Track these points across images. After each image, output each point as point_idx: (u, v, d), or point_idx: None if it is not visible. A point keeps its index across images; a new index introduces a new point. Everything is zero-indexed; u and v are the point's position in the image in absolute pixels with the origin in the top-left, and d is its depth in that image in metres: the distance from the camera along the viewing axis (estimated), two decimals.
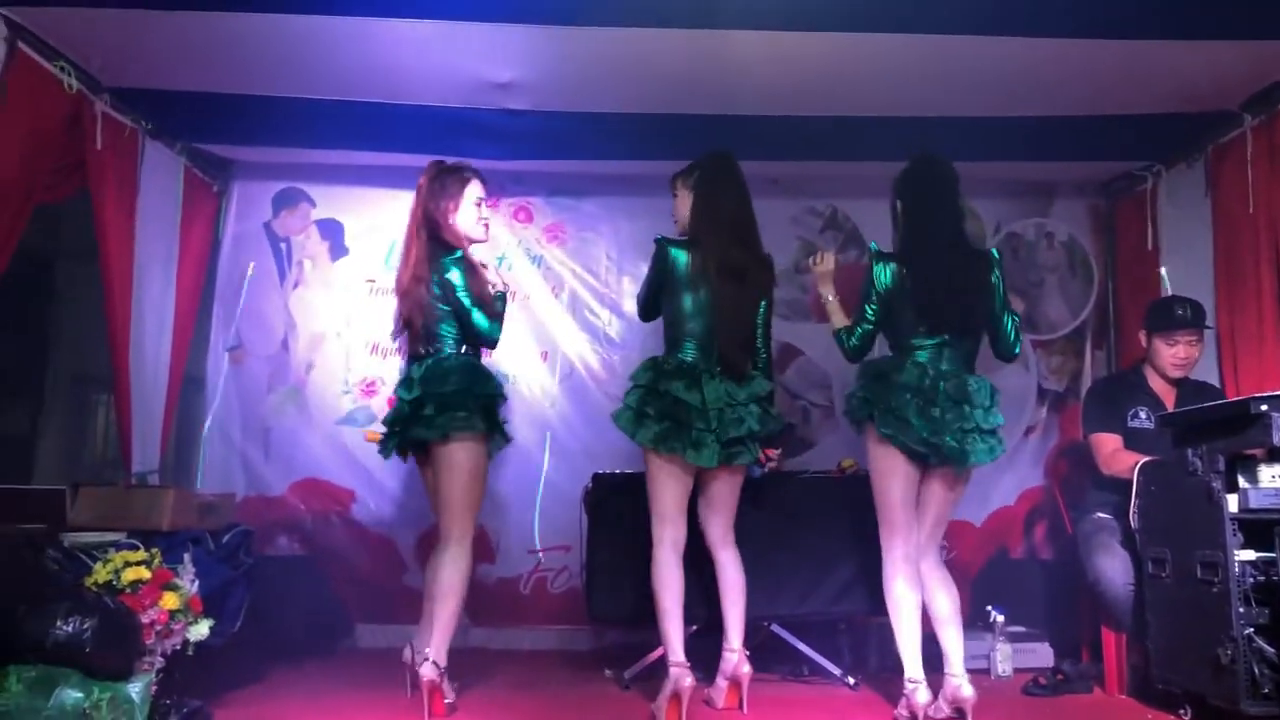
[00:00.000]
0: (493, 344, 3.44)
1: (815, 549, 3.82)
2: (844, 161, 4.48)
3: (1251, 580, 2.78)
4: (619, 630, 4.48)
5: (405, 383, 3.37)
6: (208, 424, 4.73)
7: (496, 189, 4.89)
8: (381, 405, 4.57)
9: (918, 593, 3.18)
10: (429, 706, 3.10)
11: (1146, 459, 3.35)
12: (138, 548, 3.07)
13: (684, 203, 3.47)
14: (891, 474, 3.20)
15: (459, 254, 3.36)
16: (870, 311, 3.28)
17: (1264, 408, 2.70)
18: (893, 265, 3.25)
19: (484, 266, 3.46)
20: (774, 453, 3.74)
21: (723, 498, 3.37)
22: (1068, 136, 4.19)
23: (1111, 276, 4.97)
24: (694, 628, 3.55)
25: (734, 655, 3.30)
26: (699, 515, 3.40)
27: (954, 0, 3.18)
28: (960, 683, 3.08)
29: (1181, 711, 3.11)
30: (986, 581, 4.50)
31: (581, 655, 4.44)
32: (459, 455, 3.28)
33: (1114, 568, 3.41)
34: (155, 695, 2.83)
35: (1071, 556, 3.71)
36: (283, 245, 4.88)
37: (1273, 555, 2.71)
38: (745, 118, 3.97)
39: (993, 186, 4.79)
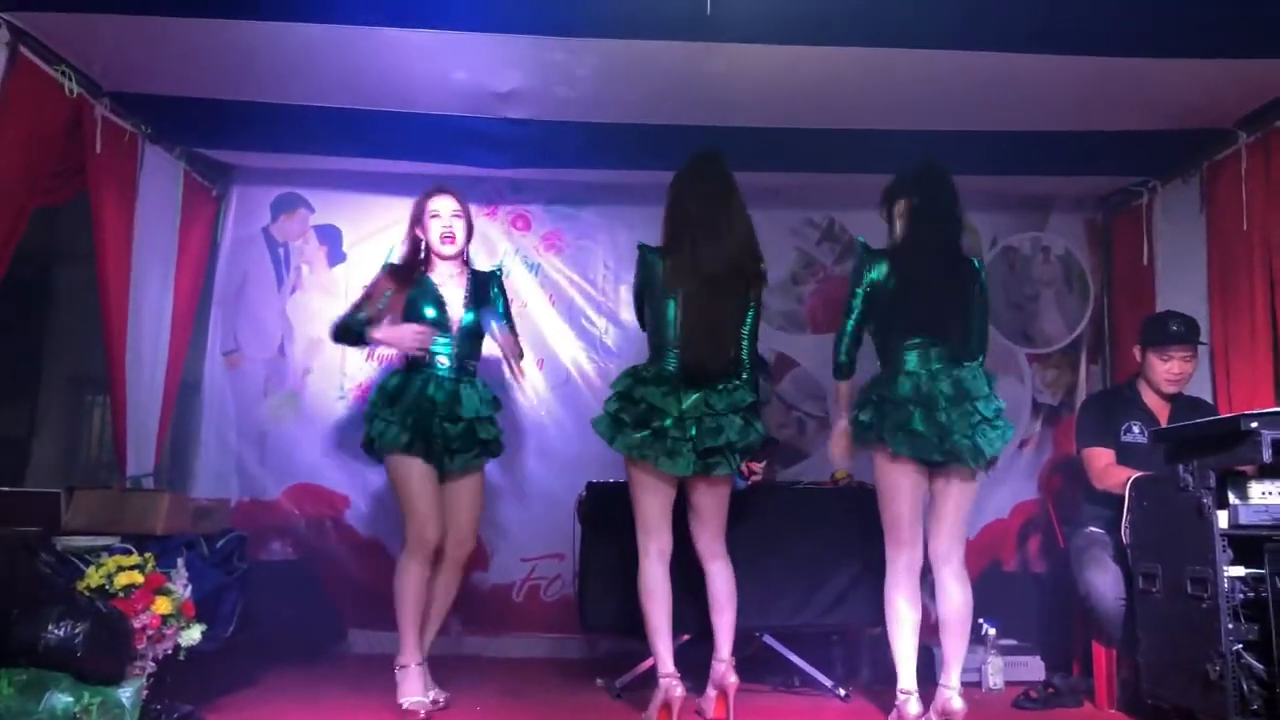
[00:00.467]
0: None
1: (809, 560, 3.82)
2: (842, 173, 4.50)
3: (1241, 596, 2.78)
4: (611, 639, 4.48)
5: None
6: (204, 428, 4.74)
7: (495, 196, 4.94)
8: None
9: (918, 609, 3.18)
10: None
11: (1138, 474, 3.36)
12: (131, 552, 3.07)
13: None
14: (900, 490, 3.17)
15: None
16: (858, 298, 3.26)
17: (1254, 425, 2.70)
18: (884, 263, 3.25)
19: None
20: (757, 466, 3.72)
21: (707, 508, 3.34)
22: (1065, 151, 4.21)
23: (1107, 291, 4.99)
24: (686, 637, 3.56)
25: (721, 665, 3.29)
26: (689, 525, 3.39)
27: (953, 16, 3.19)
28: (952, 695, 3.07)
29: None
30: (979, 594, 4.41)
31: (573, 664, 4.44)
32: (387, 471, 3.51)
33: (1105, 582, 3.42)
34: (146, 700, 2.83)
35: (1064, 570, 3.71)
36: (281, 250, 4.89)
37: (1262, 572, 2.72)
38: (743, 129, 3.98)
39: (990, 200, 4.80)
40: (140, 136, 4.01)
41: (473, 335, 3.59)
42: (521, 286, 4.89)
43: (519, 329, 4.76)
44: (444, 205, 3.58)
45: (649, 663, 3.54)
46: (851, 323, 3.29)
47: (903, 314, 3.20)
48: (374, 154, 4.39)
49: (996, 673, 3.92)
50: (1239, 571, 2.80)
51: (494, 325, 3.57)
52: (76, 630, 2.66)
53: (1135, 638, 3.25)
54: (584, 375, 4.89)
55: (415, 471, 3.41)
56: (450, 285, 3.59)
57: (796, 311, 4.93)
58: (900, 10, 3.17)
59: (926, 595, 3.25)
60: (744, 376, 3.31)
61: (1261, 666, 2.71)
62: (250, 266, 4.87)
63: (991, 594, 4.39)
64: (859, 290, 3.27)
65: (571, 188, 4.88)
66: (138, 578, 2.94)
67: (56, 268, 5.77)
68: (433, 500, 3.43)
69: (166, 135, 4.19)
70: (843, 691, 3.70)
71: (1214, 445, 2.90)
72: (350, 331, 3.60)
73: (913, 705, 3.07)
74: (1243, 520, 2.81)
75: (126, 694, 2.73)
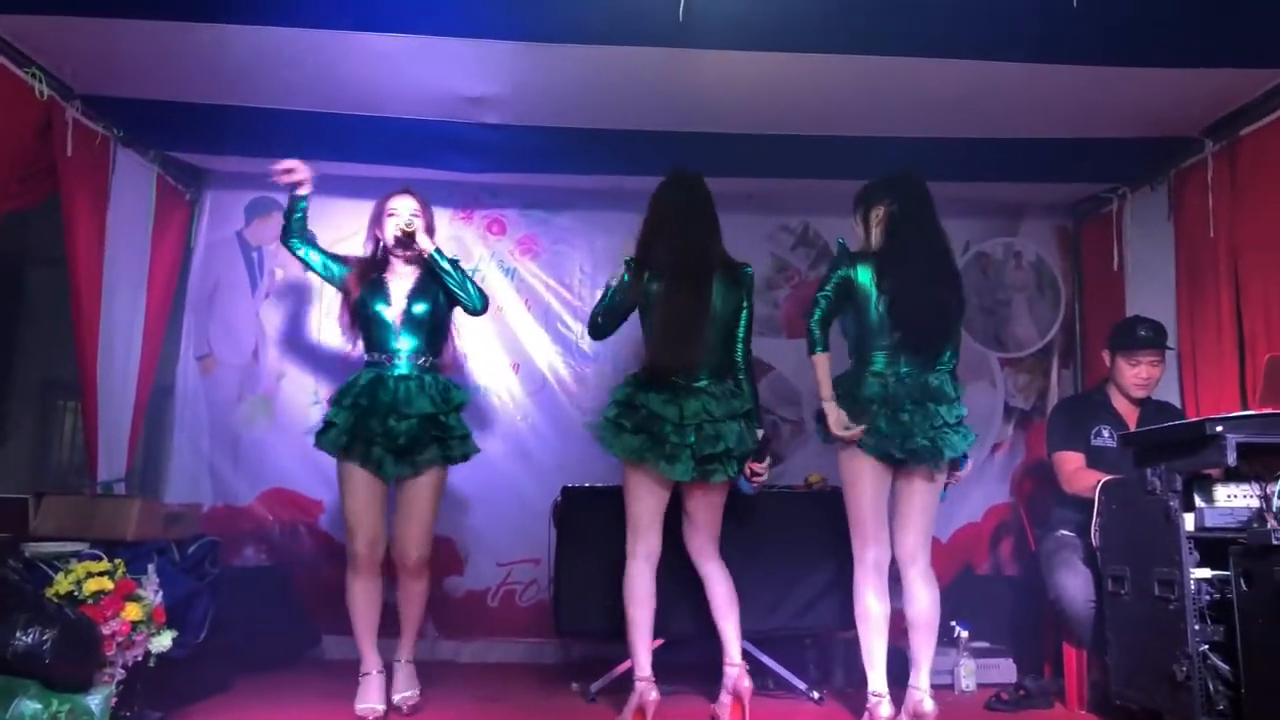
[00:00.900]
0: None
1: (782, 563, 3.84)
2: (816, 179, 4.52)
3: (1207, 598, 2.81)
4: (586, 643, 4.49)
5: None
6: (176, 433, 4.70)
7: (471, 201, 4.93)
8: None
9: (886, 604, 3.21)
10: None
11: (1108, 478, 3.39)
12: (101, 558, 3.06)
13: None
14: (861, 482, 3.22)
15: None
16: (832, 284, 3.29)
17: (1219, 429, 2.74)
18: (868, 267, 3.27)
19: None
20: (760, 466, 3.74)
21: (703, 513, 3.37)
22: (1036, 158, 4.25)
23: (1078, 296, 5.04)
24: (660, 641, 3.57)
25: (734, 670, 3.29)
26: (682, 530, 3.41)
27: (927, 24, 3.21)
28: (923, 697, 3.10)
29: None
30: (952, 597, 4.46)
31: (548, 668, 4.44)
32: None
33: (1076, 585, 3.45)
34: (116, 707, 2.82)
35: (1035, 573, 3.75)
36: (255, 254, 4.86)
37: (1228, 574, 2.75)
38: (719, 135, 4.01)
39: (962, 206, 4.82)
40: (112, 140, 3.98)
41: (426, 328, 3.54)
42: (497, 291, 4.89)
43: (494, 333, 4.85)
44: (403, 205, 3.58)
45: (624, 667, 3.55)
46: (823, 305, 3.30)
47: (886, 320, 3.23)
48: (348, 158, 4.37)
49: (969, 675, 3.95)
50: (1205, 574, 2.83)
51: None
52: (44, 637, 2.63)
53: (1105, 639, 3.28)
54: (560, 380, 4.89)
55: (350, 480, 3.38)
56: (400, 280, 3.57)
57: (772, 316, 4.95)
58: (873, 18, 3.18)
59: (897, 597, 3.27)
60: (740, 379, 3.38)
61: (1227, 667, 2.74)
62: (224, 271, 4.84)
63: (964, 597, 4.44)
64: (834, 279, 3.29)
65: (547, 193, 4.88)
66: (107, 584, 2.92)
67: (28, 271, 5.71)
68: (364, 510, 3.37)
69: (139, 139, 4.16)
70: (816, 694, 3.72)
71: (1180, 449, 2.94)
72: (306, 245, 3.71)
73: (884, 708, 3.10)
74: (1208, 523, 2.84)
75: (95, 701, 2.72)
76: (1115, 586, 3.22)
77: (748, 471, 3.44)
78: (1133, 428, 3.70)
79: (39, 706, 2.58)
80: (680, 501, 3.38)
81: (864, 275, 3.26)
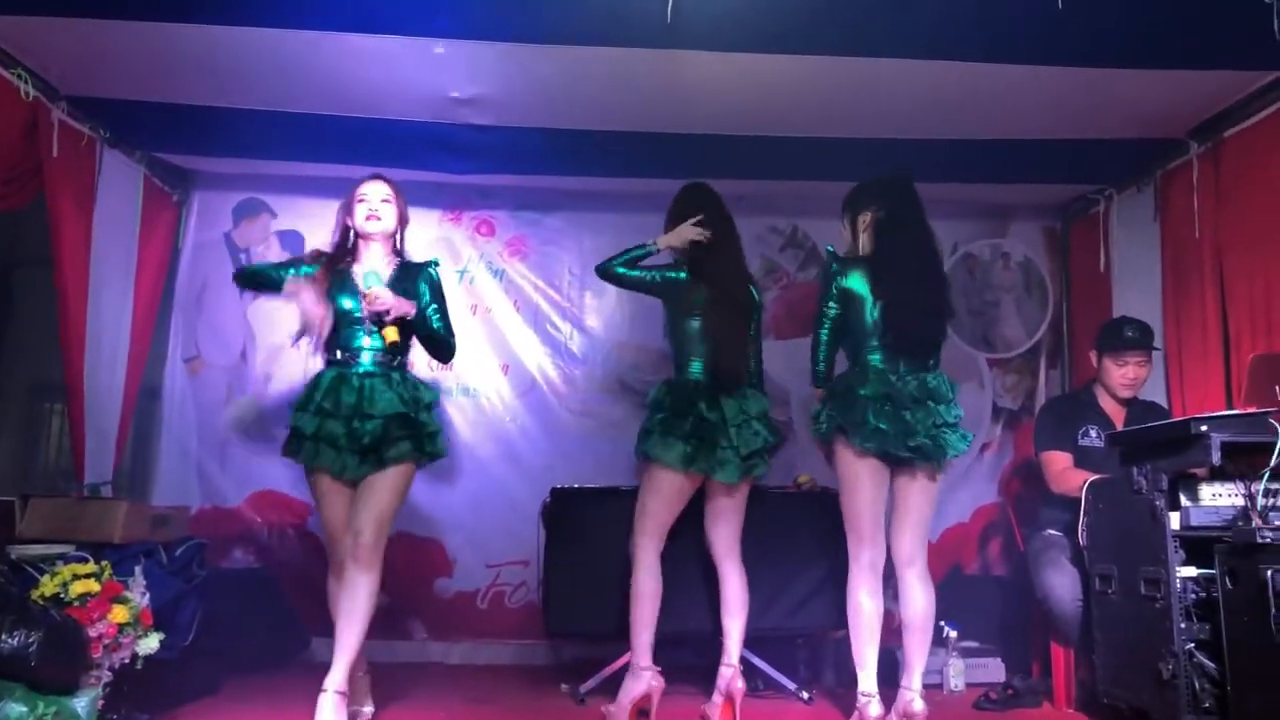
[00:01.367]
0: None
1: (772, 564, 3.84)
2: (805, 181, 4.53)
3: (1193, 596, 2.83)
4: (576, 645, 4.49)
5: None
6: (164, 434, 4.69)
7: (460, 202, 4.93)
8: None
9: (880, 605, 3.21)
10: None
11: (1095, 477, 3.41)
12: (87, 560, 3.04)
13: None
14: (859, 482, 3.22)
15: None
16: (832, 306, 3.31)
17: (1204, 428, 2.76)
18: (859, 273, 3.28)
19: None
20: None
21: (732, 510, 3.45)
22: (1024, 160, 4.27)
23: (1066, 297, 5.06)
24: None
25: (729, 670, 3.32)
26: (705, 528, 3.46)
27: (915, 26, 3.23)
28: (913, 697, 3.12)
29: None
30: (940, 597, 4.49)
31: (538, 670, 4.43)
32: None
33: (1063, 584, 3.46)
34: (102, 709, 2.81)
35: (1023, 573, 3.76)
36: (242, 256, 4.85)
37: (1213, 572, 2.77)
38: (708, 136, 4.02)
39: (950, 208, 4.84)
40: (99, 141, 3.97)
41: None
42: (486, 292, 4.89)
43: (483, 334, 4.85)
44: (373, 190, 3.34)
45: (614, 667, 3.56)
46: (826, 331, 3.36)
47: (880, 324, 3.24)
48: (336, 159, 4.36)
49: (957, 675, 3.97)
50: (1191, 572, 2.86)
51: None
52: (30, 639, 2.62)
53: (1092, 638, 3.29)
54: (549, 381, 4.89)
55: (320, 488, 3.25)
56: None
57: (760, 318, 4.94)
58: (860, 20, 3.20)
59: (890, 598, 3.28)
60: (755, 383, 3.52)
61: (1213, 665, 2.76)
62: (211, 272, 4.82)
63: (953, 597, 4.43)
64: (831, 300, 3.32)
65: (536, 194, 4.88)
66: (94, 586, 2.91)
67: (15, 273, 5.68)
68: (339, 519, 3.21)
69: (126, 139, 4.15)
70: (806, 694, 3.73)
71: (1166, 448, 2.96)
72: (262, 277, 3.35)
73: (874, 708, 3.10)
74: (1194, 522, 2.87)
75: (82, 704, 2.71)
76: (1102, 585, 3.23)
77: None
78: (1120, 427, 3.71)
79: (25, 709, 2.57)
80: (706, 500, 3.44)
81: (857, 281, 3.28)
